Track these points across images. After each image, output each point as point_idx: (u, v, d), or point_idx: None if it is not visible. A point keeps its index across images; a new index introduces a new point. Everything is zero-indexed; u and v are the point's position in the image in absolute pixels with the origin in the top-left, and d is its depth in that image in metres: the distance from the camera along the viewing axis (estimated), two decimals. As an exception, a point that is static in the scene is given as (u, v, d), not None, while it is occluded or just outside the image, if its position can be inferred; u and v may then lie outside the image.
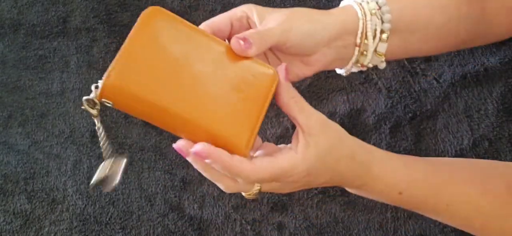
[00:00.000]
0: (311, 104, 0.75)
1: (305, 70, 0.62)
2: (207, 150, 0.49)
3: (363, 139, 0.75)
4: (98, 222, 0.73)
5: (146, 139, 0.79)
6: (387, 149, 0.74)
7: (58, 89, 0.84)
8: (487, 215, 0.57)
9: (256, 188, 0.52)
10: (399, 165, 0.57)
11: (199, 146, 0.49)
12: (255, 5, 0.58)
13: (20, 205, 0.75)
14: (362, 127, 0.77)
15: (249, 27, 0.58)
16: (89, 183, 0.76)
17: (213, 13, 0.89)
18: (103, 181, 0.51)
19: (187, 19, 0.88)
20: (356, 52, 0.62)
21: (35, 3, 0.93)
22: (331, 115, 0.78)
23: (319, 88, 0.79)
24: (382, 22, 0.61)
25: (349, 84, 0.79)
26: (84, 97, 0.49)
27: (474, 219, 0.57)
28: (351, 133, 0.76)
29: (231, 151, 0.49)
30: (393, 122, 0.77)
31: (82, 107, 0.50)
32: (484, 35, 0.71)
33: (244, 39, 0.53)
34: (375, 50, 0.62)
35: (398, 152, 0.74)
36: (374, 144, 0.74)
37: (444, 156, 0.73)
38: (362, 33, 0.60)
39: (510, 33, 0.73)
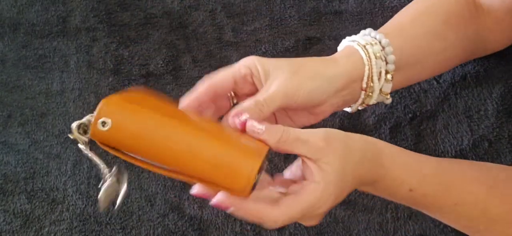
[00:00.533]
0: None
1: (311, 119, 0.61)
2: (227, 200, 0.47)
3: (363, 140, 0.75)
4: (98, 222, 0.73)
5: (146, 139, 0.79)
6: (387, 149, 0.74)
7: (58, 88, 0.84)
8: (492, 219, 0.56)
9: None
10: (410, 161, 0.56)
11: (219, 197, 0.48)
12: (258, 58, 0.56)
13: (20, 205, 0.75)
14: (362, 127, 0.77)
15: (253, 84, 0.57)
16: (89, 183, 0.76)
17: (213, 13, 0.89)
18: (111, 200, 0.51)
19: (187, 20, 0.88)
20: (362, 95, 0.61)
21: (34, 2, 0.93)
22: (331, 116, 0.77)
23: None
24: (387, 63, 0.60)
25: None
26: (75, 123, 0.49)
27: (479, 221, 0.56)
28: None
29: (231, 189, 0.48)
30: (393, 123, 0.77)
31: (70, 136, 0.50)
32: (480, 50, 0.72)
33: (237, 115, 0.52)
34: (380, 90, 0.61)
35: (398, 152, 0.75)
36: (374, 145, 0.75)
37: (444, 156, 0.74)
38: (368, 77, 0.59)
39: (504, 47, 0.73)
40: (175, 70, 0.84)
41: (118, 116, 0.48)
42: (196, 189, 0.49)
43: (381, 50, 0.60)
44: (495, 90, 0.76)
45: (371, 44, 0.60)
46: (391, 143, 0.74)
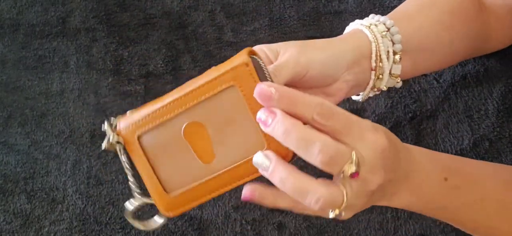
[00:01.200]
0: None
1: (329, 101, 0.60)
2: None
3: (363, 139, 0.75)
4: (98, 222, 0.73)
5: (146, 139, 0.79)
6: (387, 149, 0.74)
7: (58, 89, 0.84)
8: None
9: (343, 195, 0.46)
10: (436, 154, 0.54)
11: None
12: (265, 45, 0.55)
13: (20, 205, 0.75)
14: (362, 127, 0.77)
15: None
16: (89, 183, 0.76)
17: (212, 14, 0.89)
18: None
19: (187, 20, 0.88)
20: (373, 77, 0.60)
21: (34, 3, 0.93)
22: (331, 115, 0.78)
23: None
24: (393, 43, 0.60)
25: (349, 84, 0.80)
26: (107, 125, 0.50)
27: (502, 217, 0.54)
28: (351, 133, 0.76)
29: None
30: (393, 122, 0.77)
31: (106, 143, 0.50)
32: (482, 48, 0.72)
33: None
34: (390, 73, 0.61)
35: (398, 152, 0.74)
36: (374, 144, 0.75)
37: (444, 156, 0.74)
38: (376, 56, 0.59)
39: (503, 47, 0.73)
40: (175, 70, 0.84)
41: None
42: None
43: (387, 31, 0.60)
44: (495, 90, 0.76)
45: (375, 24, 0.60)
46: (391, 142, 0.75)
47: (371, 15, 0.62)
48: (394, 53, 0.60)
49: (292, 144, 0.44)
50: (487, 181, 0.55)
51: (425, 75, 0.79)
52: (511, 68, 0.78)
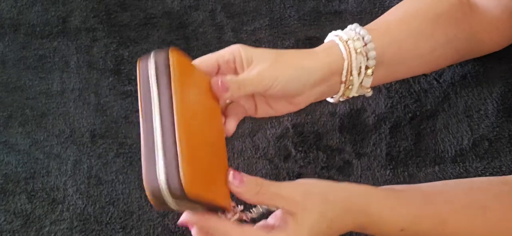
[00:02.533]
0: (311, 104, 0.76)
1: (289, 108, 0.62)
2: (190, 218, 0.51)
3: (363, 139, 0.75)
4: (98, 222, 0.73)
5: (146, 139, 0.79)
6: (387, 149, 0.74)
7: (58, 89, 0.84)
8: None
9: None
10: (397, 202, 0.56)
11: (183, 216, 0.51)
12: (243, 46, 0.57)
13: (21, 205, 0.75)
14: (362, 127, 0.77)
15: (235, 70, 0.57)
16: (89, 183, 0.76)
17: (213, 14, 0.89)
18: None
19: (187, 20, 0.88)
20: (342, 88, 0.62)
21: (35, 3, 0.93)
22: (331, 115, 0.78)
23: (319, 88, 0.79)
24: (367, 59, 0.61)
25: (349, 84, 0.80)
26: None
27: None
28: (351, 133, 0.76)
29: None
30: (393, 122, 0.77)
31: None
32: (475, 51, 0.72)
33: (222, 82, 0.53)
34: (360, 84, 0.62)
35: (398, 152, 0.74)
36: (374, 144, 0.75)
37: (444, 156, 0.74)
38: (347, 71, 0.60)
39: (500, 48, 0.73)
40: (175, 70, 0.84)
41: None
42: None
43: (363, 46, 0.61)
44: (495, 90, 0.76)
45: (353, 39, 0.61)
46: (390, 143, 0.75)
47: (354, 25, 0.63)
48: (367, 68, 0.61)
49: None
50: (461, 215, 0.57)
51: (425, 75, 0.79)
52: (510, 68, 0.78)
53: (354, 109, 0.78)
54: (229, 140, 0.76)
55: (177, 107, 0.46)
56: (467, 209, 0.57)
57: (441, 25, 0.66)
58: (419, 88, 0.78)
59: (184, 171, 0.44)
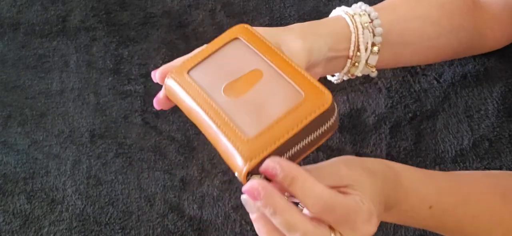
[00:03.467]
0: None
1: None
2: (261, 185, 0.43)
3: (363, 139, 0.75)
4: (98, 222, 0.73)
5: (146, 139, 0.79)
6: (387, 149, 0.74)
7: (58, 88, 0.84)
8: (508, 227, 0.55)
9: None
10: (425, 177, 0.54)
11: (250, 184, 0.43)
12: (263, 29, 0.57)
13: (20, 205, 0.75)
14: (362, 127, 0.77)
15: None
16: (88, 183, 0.76)
17: (212, 13, 0.89)
18: None
19: (187, 19, 0.88)
20: (348, 64, 0.62)
21: (34, 2, 0.93)
22: (331, 115, 0.78)
23: (319, 88, 0.79)
24: (374, 35, 0.61)
25: (349, 84, 0.79)
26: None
27: (496, 231, 0.55)
28: (351, 133, 0.76)
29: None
30: (393, 122, 0.76)
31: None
32: (478, 46, 0.72)
33: None
34: (366, 62, 0.62)
35: (398, 152, 0.74)
36: (374, 144, 0.75)
37: (444, 156, 0.73)
38: (355, 45, 0.60)
39: (501, 45, 0.73)
40: (175, 69, 0.84)
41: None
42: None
43: (370, 22, 0.61)
44: (495, 90, 0.76)
45: (360, 14, 0.61)
46: (391, 143, 0.75)
47: (359, 3, 0.63)
48: (373, 45, 0.61)
49: (276, 223, 0.44)
50: (483, 196, 0.56)
51: (425, 75, 0.79)
52: (511, 68, 0.77)
53: (354, 109, 0.78)
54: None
55: None
56: (488, 193, 0.56)
57: (446, 14, 0.66)
58: (419, 88, 0.78)
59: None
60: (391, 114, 0.77)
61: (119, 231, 0.72)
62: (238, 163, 0.44)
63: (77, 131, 0.80)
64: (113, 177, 0.76)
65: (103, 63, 0.86)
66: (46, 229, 0.73)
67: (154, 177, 0.76)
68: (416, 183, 0.53)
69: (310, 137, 0.46)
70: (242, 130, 0.46)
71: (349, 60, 0.62)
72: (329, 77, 0.67)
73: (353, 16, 0.61)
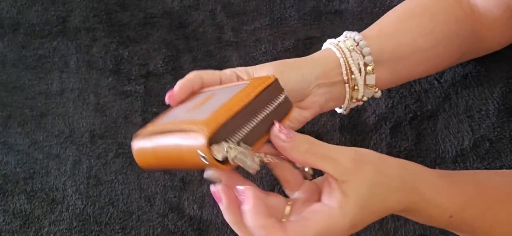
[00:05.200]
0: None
1: (303, 114, 0.62)
2: (224, 190, 0.47)
3: (363, 139, 0.75)
4: (98, 222, 0.73)
5: (146, 139, 0.78)
6: (387, 149, 0.74)
7: (58, 89, 0.84)
8: None
9: None
10: (451, 187, 0.53)
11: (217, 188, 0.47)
12: (239, 68, 0.59)
13: (20, 205, 0.75)
14: (362, 127, 0.76)
15: None
16: (88, 183, 0.76)
17: (213, 13, 0.89)
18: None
19: (187, 19, 0.88)
20: (347, 89, 0.63)
21: (34, 2, 0.93)
22: (331, 115, 0.78)
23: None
24: (363, 56, 0.62)
25: (350, 84, 0.79)
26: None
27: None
28: (351, 133, 0.76)
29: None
30: (394, 122, 0.76)
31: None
32: (479, 49, 0.72)
33: None
34: (365, 83, 0.63)
35: (398, 152, 0.74)
36: (374, 145, 0.74)
37: (445, 156, 0.73)
38: (346, 69, 0.62)
39: (501, 46, 0.73)
40: (175, 70, 0.84)
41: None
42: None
43: (356, 45, 0.62)
44: (496, 90, 0.76)
45: (344, 41, 0.63)
46: (391, 143, 0.74)
47: (344, 33, 0.65)
48: (365, 65, 0.62)
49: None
50: (503, 206, 0.55)
51: (426, 75, 0.79)
52: (511, 68, 0.77)
53: (354, 109, 0.78)
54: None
55: None
56: (507, 201, 0.56)
57: (439, 23, 0.66)
58: (420, 88, 0.78)
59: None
60: (391, 114, 0.77)
61: (119, 231, 0.72)
62: (198, 141, 0.44)
63: (77, 131, 0.80)
64: (113, 177, 0.76)
65: (103, 63, 0.86)
66: (46, 229, 0.73)
67: (154, 177, 0.76)
68: (439, 195, 0.52)
69: (262, 114, 0.47)
70: (195, 119, 0.47)
71: (346, 85, 0.63)
72: (338, 110, 0.67)
73: (337, 44, 0.63)
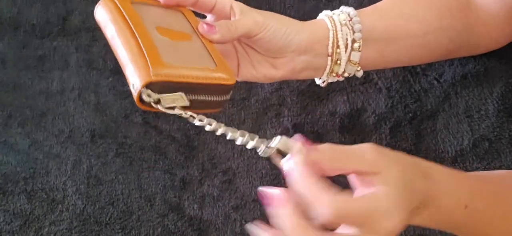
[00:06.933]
0: (311, 104, 0.76)
1: (272, 72, 0.63)
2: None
3: (363, 139, 0.75)
4: (98, 222, 0.73)
5: (146, 139, 0.79)
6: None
7: (58, 88, 0.84)
8: None
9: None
10: (456, 175, 0.52)
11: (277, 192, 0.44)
12: (240, 5, 0.61)
13: (20, 205, 0.75)
14: (362, 127, 0.77)
15: (229, 17, 0.60)
16: (88, 183, 0.76)
17: (213, 13, 0.89)
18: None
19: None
20: (329, 62, 0.63)
21: (34, 2, 0.93)
22: (331, 115, 0.78)
23: (319, 88, 0.79)
24: (353, 32, 0.62)
25: (349, 84, 0.79)
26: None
27: None
28: (351, 133, 0.76)
29: None
30: (393, 122, 0.76)
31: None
32: (472, 45, 0.71)
33: (209, 25, 0.57)
34: (349, 60, 0.63)
35: (398, 152, 0.74)
36: (374, 145, 0.75)
37: (444, 156, 0.73)
38: (333, 43, 0.62)
39: (499, 45, 0.73)
40: (175, 69, 0.84)
41: None
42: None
43: (349, 20, 0.63)
44: (495, 90, 0.76)
45: (338, 14, 0.63)
46: (391, 143, 0.75)
47: (342, 7, 0.65)
48: (354, 41, 0.63)
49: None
50: (510, 197, 0.55)
51: (426, 75, 0.79)
52: (511, 68, 0.77)
53: (354, 109, 0.78)
54: (229, 140, 0.75)
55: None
56: (509, 191, 0.55)
57: (433, 12, 0.67)
58: (420, 88, 0.78)
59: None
60: (391, 114, 0.77)
61: (119, 231, 0.72)
62: (140, 79, 0.48)
63: (77, 131, 0.80)
64: (114, 177, 0.76)
65: (103, 63, 0.86)
66: (46, 229, 0.73)
67: (155, 177, 0.76)
68: (450, 181, 0.51)
69: (206, 97, 0.52)
70: (161, 55, 0.50)
71: (329, 58, 0.63)
72: (317, 81, 0.68)
73: (331, 16, 0.63)
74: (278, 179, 0.74)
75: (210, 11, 0.61)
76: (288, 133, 0.77)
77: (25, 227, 0.73)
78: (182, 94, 0.50)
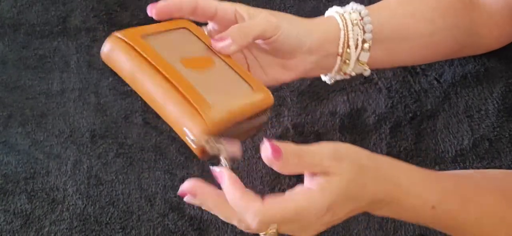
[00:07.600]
0: (311, 104, 0.76)
1: (283, 75, 0.62)
2: (194, 184, 0.50)
3: (363, 139, 0.75)
4: (98, 222, 0.73)
5: (146, 139, 0.79)
6: (387, 149, 0.74)
7: (58, 89, 0.84)
8: (510, 225, 0.55)
9: (271, 229, 0.47)
10: (428, 177, 0.54)
11: (186, 184, 0.50)
12: (241, 6, 0.59)
13: (20, 205, 0.75)
14: (362, 127, 0.77)
15: (235, 21, 0.58)
16: (89, 183, 0.76)
17: (213, 13, 0.89)
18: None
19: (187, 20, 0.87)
20: (338, 61, 0.63)
21: (35, 2, 0.93)
22: (331, 115, 0.78)
23: (319, 88, 0.79)
24: (364, 32, 0.62)
25: (349, 84, 0.79)
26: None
27: (499, 231, 0.55)
28: (351, 133, 0.76)
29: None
30: (393, 122, 0.77)
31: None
32: (475, 45, 0.72)
33: (221, 39, 0.54)
34: (358, 59, 0.63)
35: (398, 152, 0.74)
36: (374, 144, 0.75)
37: (444, 156, 0.73)
38: (344, 43, 0.61)
39: (500, 45, 0.73)
40: (175, 70, 0.84)
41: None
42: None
43: (360, 20, 0.62)
44: (495, 90, 0.76)
45: (350, 12, 0.62)
46: (391, 143, 0.75)
47: (352, 3, 0.64)
48: (364, 41, 0.62)
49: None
50: (485, 198, 0.55)
51: (426, 75, 0.79)
52: (511, 67, 0.78)
53: (354, 109, 0.78)
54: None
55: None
56: (489, 194, 0.56)
57: (439, 12, 0.67)
58: (420, 88, 0.78)
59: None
60: (391, 114, 0.77)
61: (120, 231, 0.72)
62: (196, 127, 0.46)
63: (77, 131, 0.80)
64: (114, 177, 0.76)
65: (103, 63, 0.86)
66: (46, 229, 0.73)
67: (155, 177, 0.76)
68: (417, 183, 0.52)
69: (248, 124, 0.50)
70: (204, 96, 0.47)
71: (339, 57, 0.62)
72: (323, 78, 0.68)
73: (342, 15, 0.62)
74: (278, 180, 0.74)
75: (212, 18, 0.58)
76: (288, 132, 0.77)
77: (25, 227, 0.73)
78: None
